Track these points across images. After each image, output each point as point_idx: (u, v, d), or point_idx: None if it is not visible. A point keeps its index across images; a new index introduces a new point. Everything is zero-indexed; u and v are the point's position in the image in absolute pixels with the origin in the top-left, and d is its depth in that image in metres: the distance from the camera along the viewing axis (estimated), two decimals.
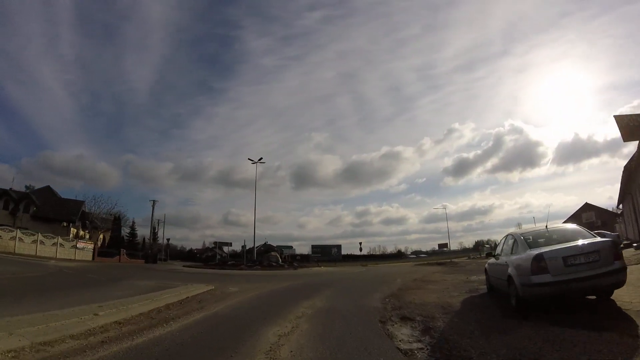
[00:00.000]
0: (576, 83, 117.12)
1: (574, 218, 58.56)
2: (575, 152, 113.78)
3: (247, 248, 53.01)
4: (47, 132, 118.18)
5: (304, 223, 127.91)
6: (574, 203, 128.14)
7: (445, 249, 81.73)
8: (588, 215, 58.52)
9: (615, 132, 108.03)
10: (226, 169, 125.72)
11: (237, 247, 66.68)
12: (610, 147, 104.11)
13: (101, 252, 40.93)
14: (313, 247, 64.64)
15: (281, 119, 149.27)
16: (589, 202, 60.73)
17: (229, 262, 35.47)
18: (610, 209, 62.91)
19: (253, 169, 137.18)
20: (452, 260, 49.01)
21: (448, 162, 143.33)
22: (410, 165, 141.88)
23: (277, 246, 57.36)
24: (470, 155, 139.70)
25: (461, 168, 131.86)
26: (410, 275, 19.88)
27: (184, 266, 39.09)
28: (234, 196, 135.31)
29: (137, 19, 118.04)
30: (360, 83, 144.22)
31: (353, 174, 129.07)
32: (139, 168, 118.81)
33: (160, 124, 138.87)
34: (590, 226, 56.02)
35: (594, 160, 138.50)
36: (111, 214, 53.97)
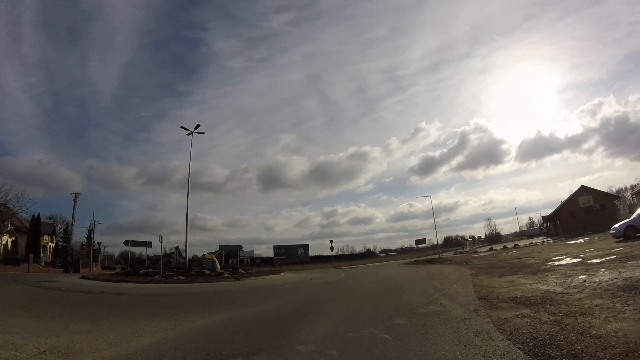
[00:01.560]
0: (538, 83, 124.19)
1: (570, 202, 52.02)
2: (538, 148, 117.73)
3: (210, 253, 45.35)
4: (6, 136, 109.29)
5: (272, 225, 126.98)
6: (536, 198, 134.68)
7: (422, 245, 76.28)
8: (585, 199, 51.70)
9: (575, 129, 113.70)
10: (193, 172, 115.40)
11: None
12: (571, 144, 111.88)
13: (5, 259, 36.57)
14: (276, 248, 54.19)
15: (248, 121, 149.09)
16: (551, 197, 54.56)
17: (141, 271, 24.67)
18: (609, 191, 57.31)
19: (220, 172, 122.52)
20: (440, 255, 42.39)
21: (414, 161, 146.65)
22: (377, 165, 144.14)
23: (231, 246, 46.36)
24: (436, 154, 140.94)
25: (427, 167, 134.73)
26: (449, 288, 10.17)
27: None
28: (200, 200, 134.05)
29: (101, 20, 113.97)
30: (327, 85, 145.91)
31: (321, 175, 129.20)
32: (102, 173, 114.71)
33: (124, 128, 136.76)
34: (589, 210, 49.39)
35: (556, 157, 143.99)
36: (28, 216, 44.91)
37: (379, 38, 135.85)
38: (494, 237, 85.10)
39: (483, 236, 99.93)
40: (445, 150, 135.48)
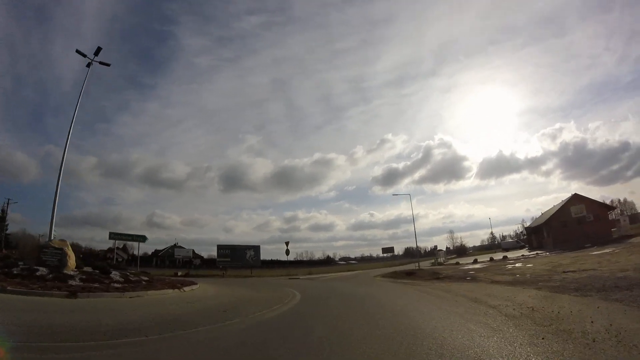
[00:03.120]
0: (500, 105, 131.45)
1: (562, 212, 45.64)
2: (499, 167, 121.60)
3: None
4: None
5: (231, 227, 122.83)
6: (494, 214, 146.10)
7: (388, 254, 70.04)
8: (577, 209, 45.58)
9: (535, 151, 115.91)
10: (153, 167, 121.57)
11: None
12: (530, 164, 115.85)
13: None
14: (220, 248, 43.93)
15: (211, 120, 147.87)
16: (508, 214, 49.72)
17: None
18: (602, 201, 51.82)
19: (181, 169, 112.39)
20: (420, 267, 36.06)
21: (378, 171, 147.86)
22: (341, 173, 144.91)
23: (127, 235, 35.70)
24: (400, 165, 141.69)
25: (390, 178, 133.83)
26: None
27: None
28: (159, 197, 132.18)
29: (71, 3, 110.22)
30: (293, 90, 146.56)
31: (284, 179, 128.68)
32: (59, 160, 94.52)
33: (84, 116, 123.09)
34: (582, 221, 42.90)
35: (515, 176, 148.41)
36: None
37: (348, 48, 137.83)
38: (460, 250, 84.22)
39: (444, 248, 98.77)
40: (409, 162, 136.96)
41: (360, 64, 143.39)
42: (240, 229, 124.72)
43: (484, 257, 41.05)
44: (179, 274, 39.61)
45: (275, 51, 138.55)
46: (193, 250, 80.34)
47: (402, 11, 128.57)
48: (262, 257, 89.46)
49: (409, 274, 26.57)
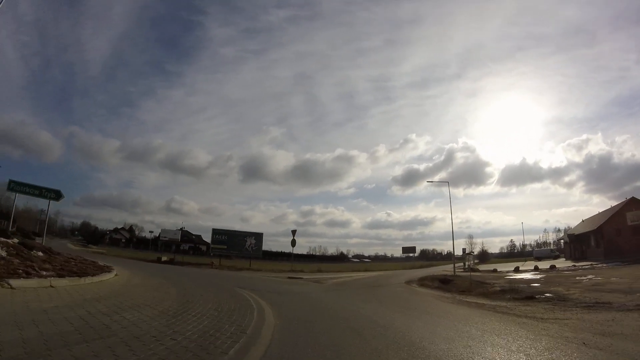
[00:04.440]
0: (525, 112, 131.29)
1: (617, 218, 38.02)
2: (521, 175, 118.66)
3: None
4: None
5: (248, 217, 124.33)
6: (511, 223, 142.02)
7: (407, 254, 65.99)
8: (634, 215, 37.83)
9: (559, 161, 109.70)
10: (174, 153, 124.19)
11: None
12: (553, 175, 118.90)
13: None
14: (215, 232, 37.90)
15: (234, 110, 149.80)
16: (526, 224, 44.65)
17: None
18: None
19: (203, 156, 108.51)
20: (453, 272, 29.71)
21: (398, 171, 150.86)
22: (361, 171, 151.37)
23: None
24: (421, 167, 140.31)
25: (410, 178, 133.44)
26: None
27: None
28: (179, 183, 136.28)
29: None
30: (315, 85, 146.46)
31: (304, 173, 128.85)
32: (83, 142, 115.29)
33: (109, 100, 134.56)
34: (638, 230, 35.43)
35: (537, 185, 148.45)
36: None
37: (372, 47, 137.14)
38: (481, 256, 78.69)
39: (460, 253, 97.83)
40: (430, 164, 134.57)
41: (384, 63, 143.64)
42: (257, 220, 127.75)
43: (512, 266, 35.99)
44: (163, 259, 34.24)
45: (300, 46, 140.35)
46: (201, 236, 76.49)
47: (429, 13, 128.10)
48: (274, 249, 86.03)
49: (445, 282, 21.06)
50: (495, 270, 32.35)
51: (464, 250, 75.66)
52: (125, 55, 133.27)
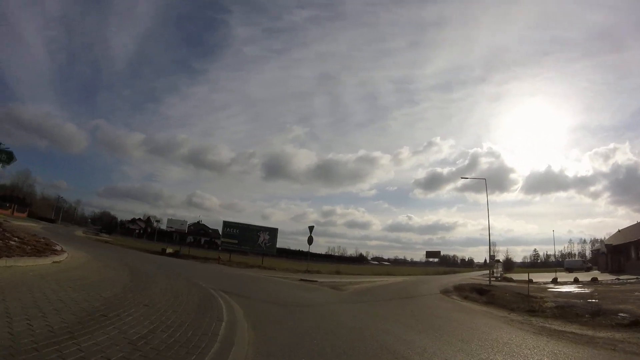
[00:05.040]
0: (550, 118, 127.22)
1: None
2: (546, 183, 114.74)
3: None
4: (18, 84, 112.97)
5: (269, 215, 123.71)
6: (534, 232, 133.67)
7: (433, 259, 62.86)
8: None
9: (586, 170, 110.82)
10: (197, 148, 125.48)
11: None
12: (579, 184, 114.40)
13: None
14: (226, 225, 34.81)
15: (256, 108, 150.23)
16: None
17: None
18: None
19: (225, 153, 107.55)
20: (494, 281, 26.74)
21: (421, 174, 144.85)
22: (384, 172, 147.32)
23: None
24: (444, 171, 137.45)
25: (433, 182, 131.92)
26: None
27: None
28: (201, 178, 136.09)
29: None
30: (338, 86, 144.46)
31: (326, 173, 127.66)
32: (108, 134, 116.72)
33: (134, 95, 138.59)
34: None
35: (561, 194, 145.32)
36: None
37: (396, 49, 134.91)
38: (506, 265, 74.81)
39: (482, 261, 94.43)
40: (453, 169, 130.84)
41: (408, 65, 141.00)
42: (277, 218, 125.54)
43: (545, 277, 32.78)
44: (168, 250, 31.39)
45: (322, 46, 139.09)
46: (217, 230, 74.24)
47: (453, 15, 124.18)
48: (293, 247, 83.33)
49: (481, 293, 18.40)
50: (531, 281, 28.96)
51: (492, 257, 71.45)
52: (150, 52, 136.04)
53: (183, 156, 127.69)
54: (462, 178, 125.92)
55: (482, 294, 17.90)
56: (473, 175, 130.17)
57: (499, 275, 38.80)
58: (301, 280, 19.24)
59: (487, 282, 25.43)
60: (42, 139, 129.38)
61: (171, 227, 34.11)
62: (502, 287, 21.54)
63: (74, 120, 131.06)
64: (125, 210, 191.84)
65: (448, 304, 14.57)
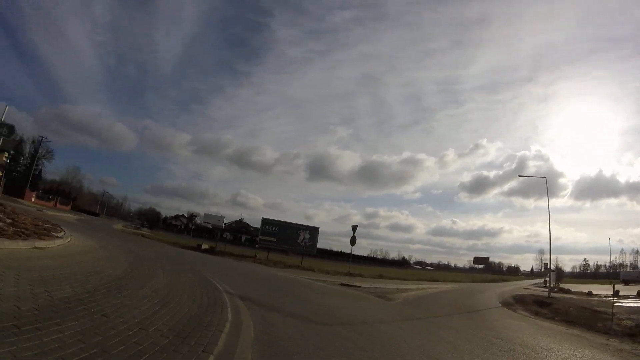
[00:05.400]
0: (602, 120, 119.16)
1: None
2: (597, 188, 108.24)
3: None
4: (69, 87, 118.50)
5: (312, 215, 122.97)
6: (583, 240, 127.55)
7: (479, 265, 60.27)
8: None
9: (638, 176, 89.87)
10: (242, 149, 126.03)
11: None
12: (631, 190, 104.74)
13: None
14: (264, 222, 32.90)
15: (300, 109, 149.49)
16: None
17: None
18: None
19: (270, 153, 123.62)
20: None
21: (467, 177, 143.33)
22: (429, 175, 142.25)
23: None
24: (491, 174, 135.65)
25: (479, 186, 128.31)
26: None
27: None
28: (245, 178, 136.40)
29: None
30: (381, 87, 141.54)
31: (370, 174, 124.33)
32: (155, 134, 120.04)
33: (180, 97, 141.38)
34: None
35: (613, 201, 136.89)
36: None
37: (439, 49, 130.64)
38: (558, 274, 68.81)
39: (529, 269, 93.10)
40: (500, 172, 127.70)
41: (452, 65, 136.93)
42: (320, 219, 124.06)
43: (601, 288, 29.71)
44: (203, 247, 29.91)
45: (365, 46, 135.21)
46: (259, 229, 73.65)
47: (497, 14, 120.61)
48: (335, 249, 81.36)
49: (541, 305, 16.71)
50: (590, 293, 26.85)
51: (546, 266, 65.69)
52: (196, 55, 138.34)
53: (228, 156, 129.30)
54: (519, 176, 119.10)
55: (542, 307, 16.26)
56: (521, 179, 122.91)
57: (553, 285, 34.98)
58: (342, 285, 16.65)
59: (542, 293, 23.93)
60: (93, 138, 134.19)
61: (207, 222, 32.69)
62: (564, 300, 19.39)
63: (123, 120, 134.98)
64: (171, 208, 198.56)
65: (521, 322, 11.89)
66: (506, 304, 17.90)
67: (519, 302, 18.87)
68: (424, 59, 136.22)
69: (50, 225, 11.85)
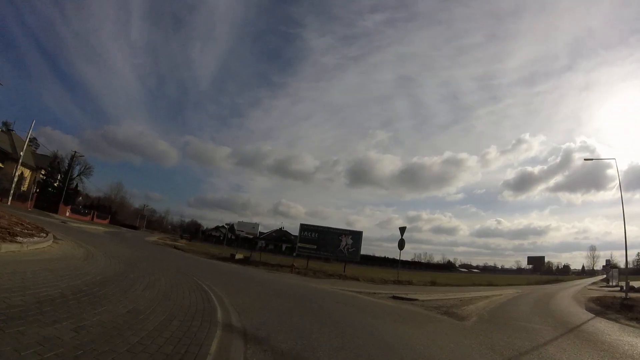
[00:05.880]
0: None
1: None
2: None
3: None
4: (112, 108, 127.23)
5: (353, 221, 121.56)
6: (634, 234, 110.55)
7: (528, 266, 62.14)
8: None
9: None
10: (282, 159, 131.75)
11: None
12: None
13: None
14: (303, 228, 30.26)
15: (338, 116, 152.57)
16: None
17: None
18: None
19: (310, 161, 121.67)
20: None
21: (510, 174, 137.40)
22: (471, 175, 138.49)
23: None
24: (535, 169, 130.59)
25: (523, 183, 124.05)
26: None
27: None
28: (286, 187, 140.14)
29: (204, 11, 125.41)
30: (418, 87, 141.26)
31: (411, 177, 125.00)
32: (197, 149, 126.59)
33: (220, 111, 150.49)
34: None
35: None
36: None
37: (474, 44, 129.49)
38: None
39: (579, 268, 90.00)
40: (545, 167, 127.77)
41: (488, 60, 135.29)
42: (362, 224, 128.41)
43: None
44: (237, 256, 27.73)
45: (399, 48, 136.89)
46: (293, 232, 71.94)
47: (531, 3, 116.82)
48: (377, 254, 78.29)
49: (629, 309, 14.28)
50: None
51: (607, 262, 59.77)
52: (232, 70, 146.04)
53: (269, 166, 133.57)
54: (585, 160, 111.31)
55: (630, 310, 13.97)
56: (566, 173, 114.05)
57: (615, 284, 34.22)
58: (395, 297, 13.54)
59: (610, 294, 22.53)
60: (137, 155, 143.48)
61: (241, 230, 30.54)
62: None
63: (165, 137, 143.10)
64: (214, 220, 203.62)
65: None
66: (593, 310, 15.08)
67: (607, 306, 15.90)
68: (459, 56, 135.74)
69: (32, 229, 9.81)
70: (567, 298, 21.99)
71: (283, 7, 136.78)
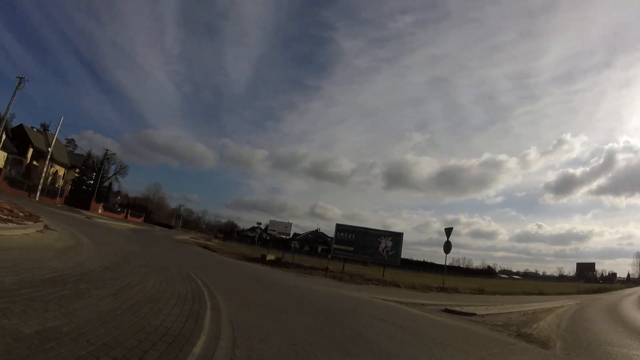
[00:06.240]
0: None
1: None
2: None
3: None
4: (150, 114, 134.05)
5: (390, 225, 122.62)
6: None
7: (570, 273, 65.45)
8: None
9: None
10: (318, 161, 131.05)
11: None
12: None
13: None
14: (339, 229, 27.97)
15: (371, 118, 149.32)
16: None
17: None
18: None
19: (346, 164, 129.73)
20: None
21: (551, 176, 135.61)
22: (510, 177, 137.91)
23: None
24: (577, 171, 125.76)
25: (565, 185, 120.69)
26: None
27: None
28: (322, 189, 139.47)
29: (235, 18, 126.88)
30: (452, 88, 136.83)
31: (449, 180, 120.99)
32: (233, 152, 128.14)
33: (254, 115, 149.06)
34: None
35: None
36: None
37: (507, 42, 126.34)
38: None
39: (624, 276, 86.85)
40: (587, 169, 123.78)
41: (523, 58, 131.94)
42: (399, 227, 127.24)
43: None
44: (268, 257, 26.05)
45: (431, 49, 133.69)
46: (330, 234, 69.92)
47: None
48: (415, 259, 74.83)
49: None
50: None
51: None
52: (266, 74, 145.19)
53: (305, 169, 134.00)
54: None
55: None
56: (610, 175, 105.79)
57: None
58: (447, 311, 11.12)
59: None
60: (175, 158, 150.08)
61: (273, 230, 28.94)
62: None
63: (202, 140, 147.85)
64: (251, 221, 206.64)
65: None
66: None
67: None
68: (492, 55, 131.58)
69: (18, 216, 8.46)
70: (632, 309, 19.83)
71: (313, 12, 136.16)
